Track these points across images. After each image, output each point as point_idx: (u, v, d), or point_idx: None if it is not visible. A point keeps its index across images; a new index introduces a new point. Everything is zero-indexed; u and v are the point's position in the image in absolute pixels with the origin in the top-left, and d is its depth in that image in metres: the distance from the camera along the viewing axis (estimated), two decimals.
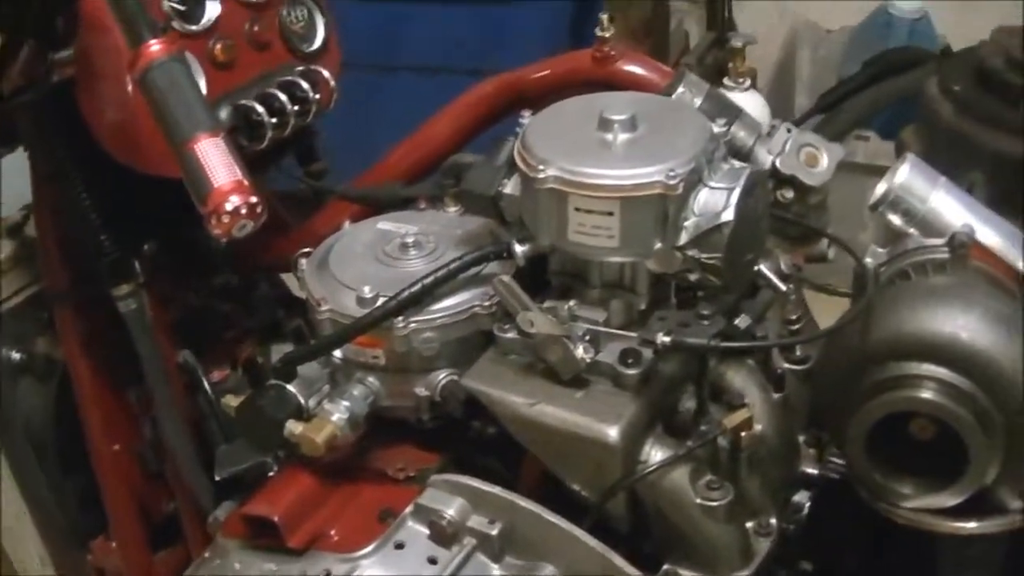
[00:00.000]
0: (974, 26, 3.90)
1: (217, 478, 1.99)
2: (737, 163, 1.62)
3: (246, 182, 1.43)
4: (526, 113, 1.68)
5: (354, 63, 2.20)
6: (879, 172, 3.79)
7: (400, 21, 3.73)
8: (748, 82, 2.28)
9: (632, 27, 4.45)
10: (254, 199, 1.43)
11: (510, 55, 3.53)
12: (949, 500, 1.60)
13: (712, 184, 1.54)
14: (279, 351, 1.92)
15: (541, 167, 1.53)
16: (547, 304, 1.59)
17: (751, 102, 2.23)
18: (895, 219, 1.76)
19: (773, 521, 1.65)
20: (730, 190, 1.53)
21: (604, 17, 1.98)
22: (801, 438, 1.78)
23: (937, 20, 4.34)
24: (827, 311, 3.41)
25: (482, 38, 3.68)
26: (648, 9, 4.52)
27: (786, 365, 1.75)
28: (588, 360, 1.55)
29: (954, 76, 3.12)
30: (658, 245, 1.53)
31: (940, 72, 3.21)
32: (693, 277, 1.56)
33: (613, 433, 1.50)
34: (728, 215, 1.51)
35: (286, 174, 2.10)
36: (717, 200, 1.53)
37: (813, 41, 4.64)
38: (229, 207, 1.42)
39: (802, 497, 1.75)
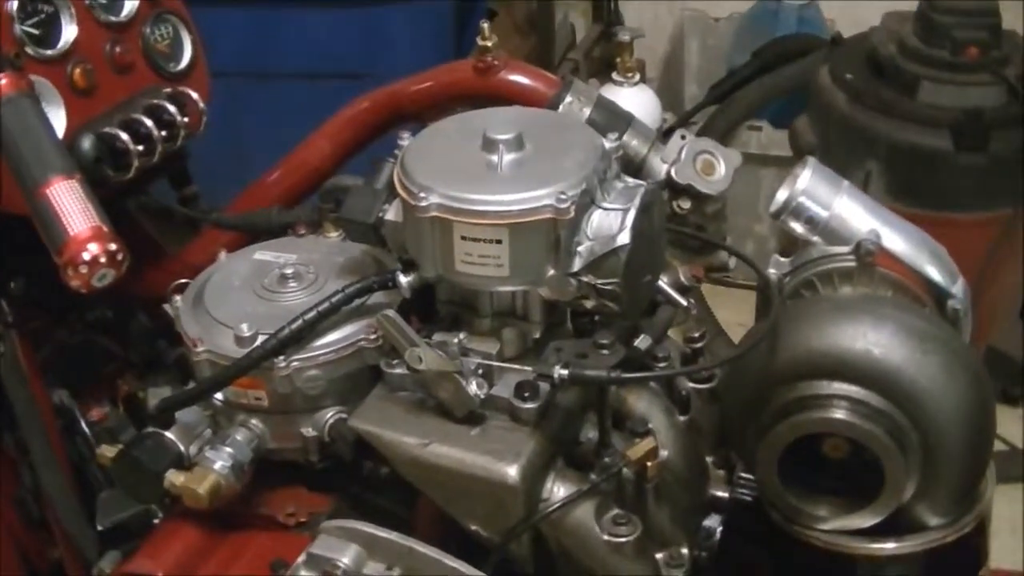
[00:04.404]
0: (863, 12, 3.90)
1: (100, 527, 1.89)
2: (631, 181, 1.54)
3: (105, 228, 1.34)
4: (405, 134, 1.59)
5: (224, 72, 2.10)
6: (773, 162, 3.79)
7: (272, 26, 3.61)
8: (637, 76, 2.24)
9: (517, 22, 4.40)
10: (114, 246, 1.34)
11: (390, 58, 3.47)
12: (866, 521, 1.55)
13: (605, 205, 1.46)
14: (155, 395, 1.82)
15: (423, 194, 1.44)
16: (436, 338, 1.51)
17: (641, 97, 2.18)
18: (797, 227, 1.70)
19: (684, 551, 1.59)
20: (625, 211, 1.45)
21: (485, 25, 1.89)
22: (709, 459, 1.71)
23: (825, 6, 4.31)
24: (725, 304, 3.40)
25: (360, 41, 3.58)
26: (533, 4, 4.46)
27: (691, 385, 1.69)
28: (482, 396, 1.47)
29: (846, 64, 3.09)
30: (551, 272, 1.45)
31: (831, 60, 3.18)
32: (589, 304, 1.48)
33: (512, 473, 1.43)
34: (624, 238, 1.43)
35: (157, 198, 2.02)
36: (611, 222, 1.44)
37: (701, 30, 4.60)
38: (87, 256, 1.33)
39: (713, 522, 1.68)
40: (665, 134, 1.87)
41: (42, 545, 2.14)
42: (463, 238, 1.44)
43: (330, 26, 3.60)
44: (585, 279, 1.45)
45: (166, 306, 1.71)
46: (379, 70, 3.19)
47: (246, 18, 3.59)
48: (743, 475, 1.68)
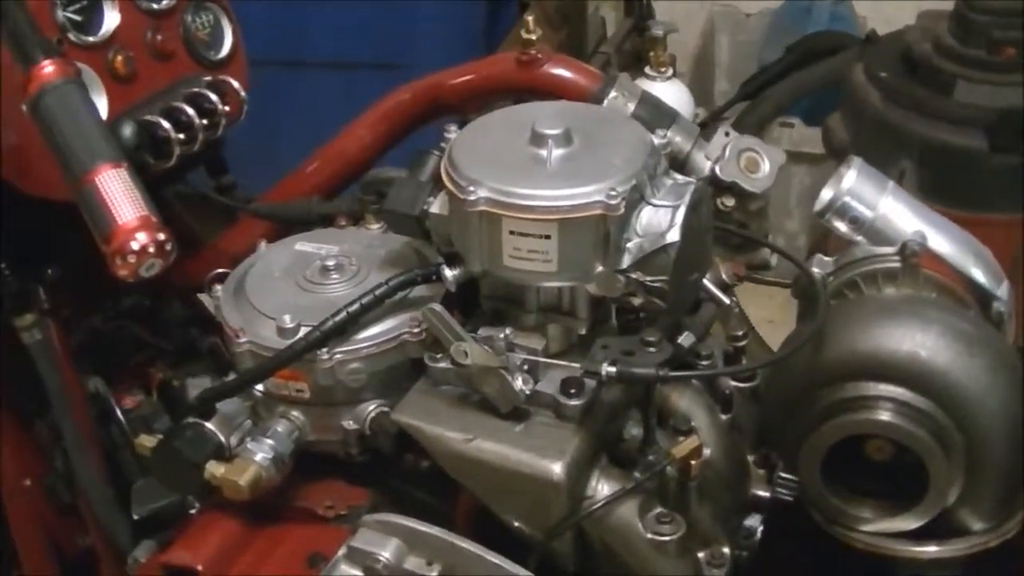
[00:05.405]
0: (894, 10, 3.88)
1: (135, 517, 1.88)
2: (680, 177, 1.52)
3: (153, 217, 1.33)
4: (452, 127, 1.58)
5: (256, 60, 2.08)
6: (805, 159, 3.76)
7: (304, 14, 3.59)
8: (670, 71, 2.23)
9: (548, 15, 4.36)
10: (162, 236, 1.33)
11: (421, 48, 3.45)
12: (909, 524, 1.55)
13: (655, 202, 1.45)
14: (195, 385, 1.81)
15: (471, 188, 1.43)
16: (482, 332, 1.50)
17: (673, 91, 2.18)
18: (842, 227, 1.69)
19: (726, 550, 1.57)
20: (675, 208, 1.43)
21: (529, 19, 1.87)
22: (750, 458, 1.70)
23: (857, 4, 4.28)
24: (753, 300, 3.38)
25: (391, 31, 3.55)
26: None
27: (733, 383, 1.67)
28: (527, 392, 1.45)
29: (880, 62, 3.07)
30: (599, 268, 1.44)
31: (865, 58, 3.16)
32: (636, 301, 1.47)
33: (557, 469, 1.41)
34: (674, 235, 1.42)
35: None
36: (661, 219, 1.43)
37: (732, 25, 4.57)
38: (135, 246, 1.31)
39: (754, 521, 1.66)
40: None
41: (72, 531, 2.13)
42: (512, 232, 1.43)
43: (362, 15, 3.57)
44: (634, 276, 1.43)
45: (202, 295, 1.70)
46: (410, 60, 3.17)
47: (278, 6, 3.57)
48: (784, 475, 1.66)
